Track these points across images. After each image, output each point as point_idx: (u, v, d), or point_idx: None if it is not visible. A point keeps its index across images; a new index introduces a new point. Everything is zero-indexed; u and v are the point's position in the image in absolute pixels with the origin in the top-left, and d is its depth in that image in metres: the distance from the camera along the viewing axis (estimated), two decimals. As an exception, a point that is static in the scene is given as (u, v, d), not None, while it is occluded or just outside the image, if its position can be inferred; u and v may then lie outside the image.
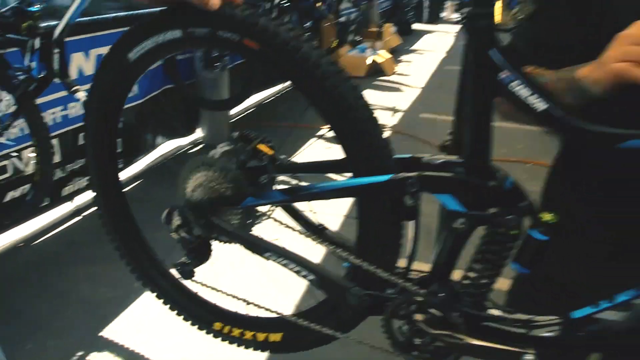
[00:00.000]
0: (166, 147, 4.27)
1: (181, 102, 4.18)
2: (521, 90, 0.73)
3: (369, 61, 6.89)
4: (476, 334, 0.89)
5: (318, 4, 4.74)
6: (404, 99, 5.96)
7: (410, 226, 0.91)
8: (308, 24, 4.73)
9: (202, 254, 1.05)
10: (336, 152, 0.90)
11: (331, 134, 0.87)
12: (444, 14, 13.73)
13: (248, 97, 4.23)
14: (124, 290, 2.51)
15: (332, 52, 5.56)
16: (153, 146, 4.07)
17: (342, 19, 5.30)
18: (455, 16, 12.84)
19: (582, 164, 1.08)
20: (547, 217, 0.82)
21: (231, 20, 0.84)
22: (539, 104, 0.73)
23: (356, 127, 0.84)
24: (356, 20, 7.35)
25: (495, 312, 0.91)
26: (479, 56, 0.74)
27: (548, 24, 1.07)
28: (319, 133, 4.43)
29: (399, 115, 5.40)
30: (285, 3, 4.07)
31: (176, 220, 1.03)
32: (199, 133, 4.57)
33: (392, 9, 10.80)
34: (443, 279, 0.91)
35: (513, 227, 0.82)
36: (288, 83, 0.87)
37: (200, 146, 4.50)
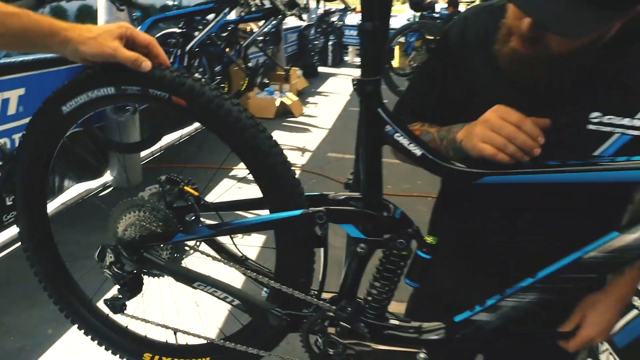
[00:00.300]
0: (75, 190, 4.19)
1: (91, 144, 4.14)
2: (402, 139, 0.93)
3: (277, 103, 7.14)
4: (379, 340, 1.06)
5: (227, 50, 4.91)
6: (312, 139, 6.23)
7: (321, 253, 1.08)
8: (218, 68, 4.88)
9: (134, 288, 1.15)
10: (252, 192, 1.05)
11: (247, 175, 1.02)
12: (347, 58, 14.44)
13: (159, 139, 4.27)
14: (36, 339, 2.44)
15: (241, 95, 5.72)
16: (61, 189, 3.98)
17: (251, 64, 5.48)
18: (358, 60, 13.54)
19: (462, 200, 1.29)
20: (429, 239, 1.02)
21: (161, 80, 0.98)
22: (416, 150, 0.93)
23: (272, 171, 1.00)
24: (264, 64, 7.60)
25: (394, 321, 1.08)
26: (369, 114, 0.94)
27: (427, 80, 1.29)
28: (232, 174, 4.55)
29: (308, 154, 5.63)
30: (195, 49, 4.21)
31: (109, 258, 1.12)
32: (108, 176, 4.53)
33: (298, 53, 11.24)
34: (350, 297, 1.08)
35: (403, 249, 1.01)
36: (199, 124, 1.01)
37: (110, 189, 4.45)
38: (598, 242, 0.93)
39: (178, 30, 4.38)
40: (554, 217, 1.11)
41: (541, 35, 0.93)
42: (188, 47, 3.95)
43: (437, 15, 10.57)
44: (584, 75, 1.01)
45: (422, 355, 1.02)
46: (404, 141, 0.93)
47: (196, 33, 4.46)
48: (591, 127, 1.02)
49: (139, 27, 4.23)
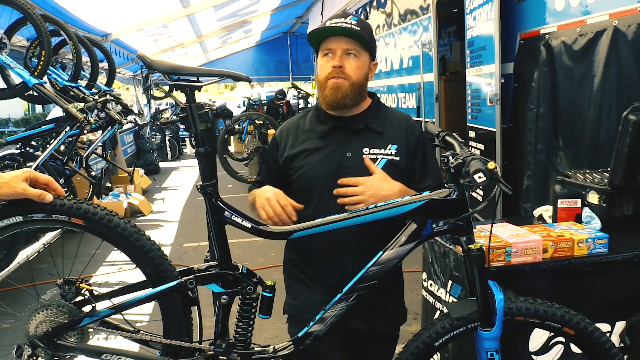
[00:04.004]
0: None
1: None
2: (236, 219, 1.41)
3: (125, 205, 7.25)
4: (248, 364, 1.48)
5: (68, 162, 5.06)
6: (166, 234, 6.45)
7: (195, 310, 1.49)
8: (61, 181, 5.00)
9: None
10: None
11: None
12: (186, 150, 14.85)
13: (14, 258, 4.26)
14: None
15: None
16: None
17: (93, 172, 5.67)
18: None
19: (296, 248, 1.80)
20: (269, 282, 1.49)
21: (62, 207, 1.35)
22: (247, 224, 1.42)
23: (153, 261, 1.41)
24: (105, 169, 7.73)
25: (257, 348, 1.51)
26: (211, 205, 1.41)
27: (266, 161, 1.83)
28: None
29: (165, 249, 5.84)
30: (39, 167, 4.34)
31: (26, 352, 1.41)
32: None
33: (137, 152, 11.44)
34: (223, 337, 1.49)
35: (252, 293, 1.47)
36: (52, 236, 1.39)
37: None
38: (372, 261, 1.47)
39: (16, 151, 4.49)
40: (354, 246, 1.64)
41: (343, 66, 1.65)
42: (33, 167, 4.10)
43: (265, 101, 11.59)
44: (358, 129, 1.72)
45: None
46: (238, 220, 1.42)
47: (31, 150, 4.63)
48: (365, 156, 1.68)
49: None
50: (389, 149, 1.69)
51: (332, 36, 1.67)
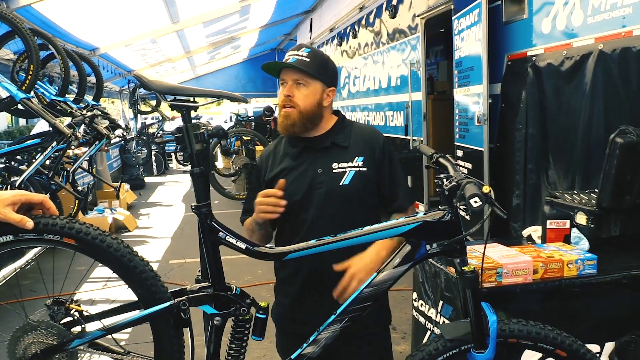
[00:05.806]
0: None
1: None
2: (231, 240, 1.40)
3: (110, 221, 7.18)
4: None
5: (55, 177, 5.00)
6: (152, 250, 6.38)
7: (187, 331, 1.47)
8: (47, 195, 4.93)
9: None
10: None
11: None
12: (172, 165, 14.77)
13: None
14: None
15: (73, 218, 5.74)
16: None
17: (79, 187, 5.61)
18: (182, 167, 13.95)
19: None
20: (263, 304, 1.47)
21: (53, 226, 1.33)
22: (241, 245, 1.41)
23: (146, 282, 1.38)
24: (91, 184, 7.65)
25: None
26: (205, 225, 1.40)
27: (251, 188, 1.84)
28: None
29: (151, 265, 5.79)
30: (24, 182, 4.28)
31: (12, 376, 1.37)
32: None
33: (122, 167, 11.35)
34: (215, 358, 1.47)
35: (246, 314, 1.45)
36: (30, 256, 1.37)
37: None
38: (366, 282, 1.47)
39: (1, 166, 4.44)
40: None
41: (292, 95, 1.79)
42: (18, 182, 4.04)
43: (252, 117, 11.60)
44: (325, 147, 1.85)
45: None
46: (232, 240, 1.41)
47: (15, 164, 4.58)
48: (334, 170, 1.82)
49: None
50: (356, 161, 1.83)
51: (286, 67, 1.81)
